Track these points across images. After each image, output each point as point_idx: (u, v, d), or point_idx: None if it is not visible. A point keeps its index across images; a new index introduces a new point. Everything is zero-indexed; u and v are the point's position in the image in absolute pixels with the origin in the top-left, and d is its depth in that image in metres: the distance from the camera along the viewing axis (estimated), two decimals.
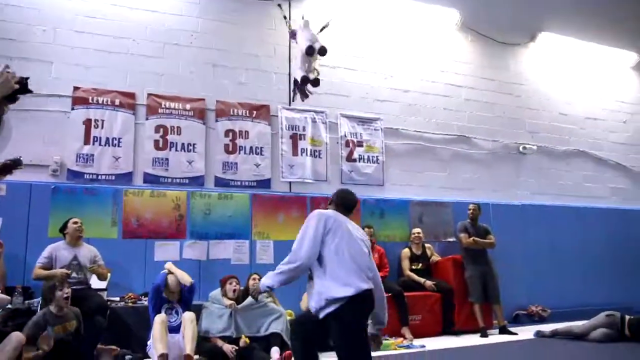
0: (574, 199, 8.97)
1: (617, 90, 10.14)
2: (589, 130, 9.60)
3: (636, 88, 10.43)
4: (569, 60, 9.66)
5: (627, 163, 9.78)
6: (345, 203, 3.38)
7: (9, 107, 2.00)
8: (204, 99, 6.76)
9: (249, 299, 5.19)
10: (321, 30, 6.64)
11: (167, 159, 6.44)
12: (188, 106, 6.64)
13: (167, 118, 6.53)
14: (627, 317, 5.96)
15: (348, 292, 2.97)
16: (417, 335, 6.22)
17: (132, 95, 6.45)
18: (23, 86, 2.04)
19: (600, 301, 7.66)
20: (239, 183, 6.76)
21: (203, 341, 4.86)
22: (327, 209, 3.36)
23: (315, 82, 6.15)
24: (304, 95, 6.33)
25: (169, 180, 6.42)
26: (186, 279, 5.11)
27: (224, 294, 5.25)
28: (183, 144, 6.56)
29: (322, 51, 6.00)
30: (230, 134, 6.82)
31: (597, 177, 9.46)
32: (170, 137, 6.51)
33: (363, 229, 6.66)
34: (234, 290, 5.24)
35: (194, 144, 6.61)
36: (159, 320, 4.59)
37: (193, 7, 6.97)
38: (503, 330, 6.61)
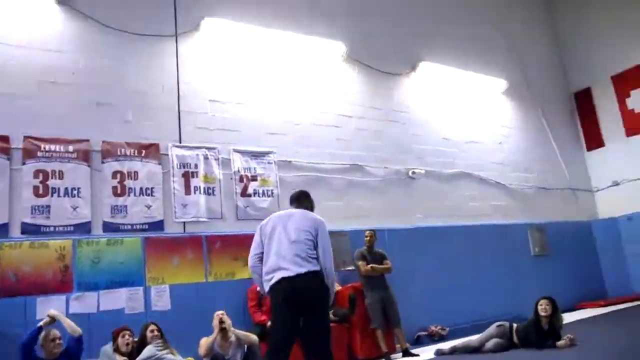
0: (462, 218, 9.49)
1: (491, 114, 10.95)
2: (470, 153, 10.25)
3: (507, 111, 11.34)
4: (448, 88, 10.30)
5: (505, 181, 10.54)
6: (290, 199, 4.34)
7: None
8: (88, 140, 6.36)
9: (145, 352, 4.91)
10: None
11: (48, 206, 5.95)
12: (71, 148, 6.23)
13: (47, 162, 6.08)
14: (515, 325, 6.39)
15: (268, 285, 3.85)
16: None
17: (5, 139, 5.91)
18: None
19: (493, 313, 8.08)
20: (129, 227, 6.40)
21: None
22: None
23: None
24: None
25: (51, 229, 5.94)
26: (75, 328, 4.78)
27: (116, 349, 4.92)
28: (66, 188, 6.11)
29: None
30: (118, 176, 6.47)
31: (480, 196, 10.08)
32: (51, 182, 6.04)
33: None
34: (127, 344, 4.94)
35: (78, 188, 6.18)
36: None
37: (72, 42, 6.58)
38: (406, 353, 6.76)
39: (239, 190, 7.28)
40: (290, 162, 7.84)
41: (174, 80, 7.14)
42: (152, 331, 5.19)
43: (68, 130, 6.28)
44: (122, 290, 6.09)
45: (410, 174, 9.09)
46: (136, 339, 5.14)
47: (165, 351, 4.99)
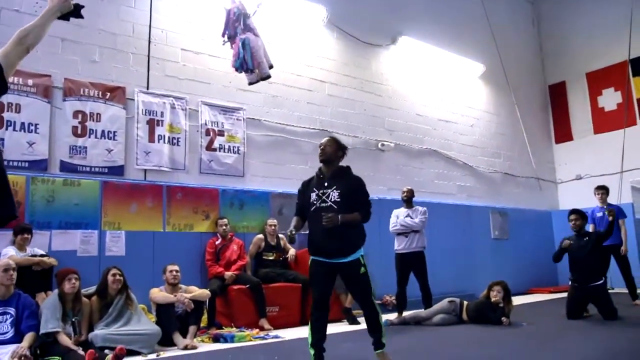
0: (427, 194, 9.52)
1: (466, 97, 10.99)
2: (441, 132, 10.29)
3: (482, 96, 11.39)
4: (426, 65, 10.27)
5: (472, 163, 10.64)
6: None
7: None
8: (49, 76, 6.11)
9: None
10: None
11: (2, 139, 5.74)
12: (30, 82, 5.98)
13: None
14: (466, 302, 6.53)
15: None
16: (277, 326, 6.22)
17: None
18: (76, 10, 2.43)
19: (447, 289, 8.16)
20: (88, 169, 6.24)
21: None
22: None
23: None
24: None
25: (4, 162, 5.74)
26: None
27: (61, 292, 4.79)
28: (23, 123, 5.89)
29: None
30: (80, 116, 6.27)
31: (447, 175, 10.16)
32: (6, 115, 5.81)
33: (218, 219, 6.46)
34: (73, 287, 4.79)
35: (36, 124, 5.97)
36: None
37: None
38: (347, 313, 6.87)
39: (204, 144, 7.15)
40: (259, 120, 7.73)
41: (146, 24, 6.93)
42: (113, 275, 5.04)
43: (28, 63, 5.95)
44: (76, 232, 5.95)
45: (379, 145, 9.08)
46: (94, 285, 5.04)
47: None
